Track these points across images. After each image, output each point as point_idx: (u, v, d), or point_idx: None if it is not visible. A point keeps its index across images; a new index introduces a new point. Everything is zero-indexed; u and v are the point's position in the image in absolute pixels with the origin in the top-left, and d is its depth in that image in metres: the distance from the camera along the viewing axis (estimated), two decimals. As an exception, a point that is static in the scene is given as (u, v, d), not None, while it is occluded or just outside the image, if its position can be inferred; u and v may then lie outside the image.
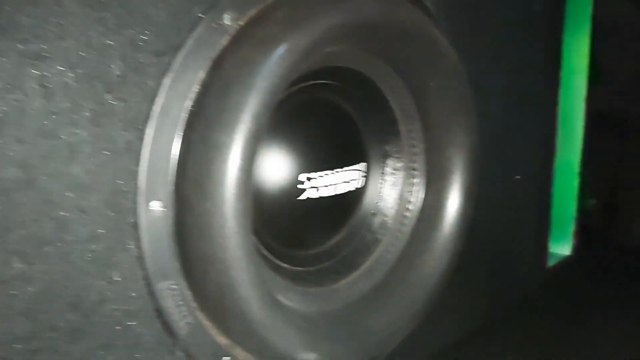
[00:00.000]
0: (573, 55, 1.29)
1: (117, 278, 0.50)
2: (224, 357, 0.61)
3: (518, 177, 1.07)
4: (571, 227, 1.38)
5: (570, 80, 1.28)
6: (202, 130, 0.51)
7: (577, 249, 1.39)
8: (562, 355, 0.92)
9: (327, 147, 0.73)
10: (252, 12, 0.56)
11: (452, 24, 0.82)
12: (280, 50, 0.52)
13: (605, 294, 1.20)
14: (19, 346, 0.45)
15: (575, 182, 1.35)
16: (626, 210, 1.59)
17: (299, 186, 0.68)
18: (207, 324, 0.59)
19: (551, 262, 1.29)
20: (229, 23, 0.54)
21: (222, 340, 0.60)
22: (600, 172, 1.62)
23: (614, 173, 1.62)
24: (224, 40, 0.54)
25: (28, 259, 0.44)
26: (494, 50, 0.97)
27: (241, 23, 0.55)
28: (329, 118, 0.75)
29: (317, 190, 0.70)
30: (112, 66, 0.46)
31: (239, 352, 0.62)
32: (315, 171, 0.69)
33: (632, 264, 1.39)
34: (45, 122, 0.43)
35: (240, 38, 0.54)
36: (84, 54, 0.45)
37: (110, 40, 0.46)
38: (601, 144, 1.59)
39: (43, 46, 0.43)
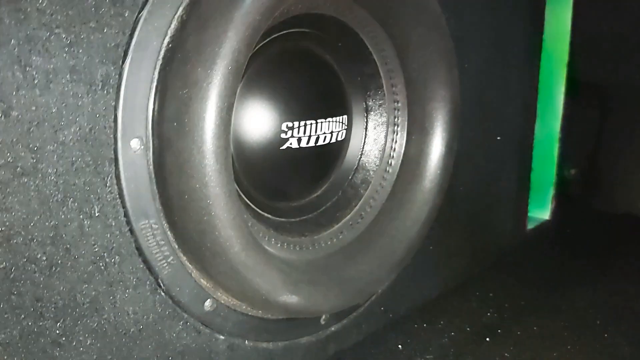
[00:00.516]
0: (555, 22, 1.29)
1: (96, 214, 0.50)
2: (207, 300, 0.62)
3: (499, 138, 1.09)
4: (550, 193, 1.41)
5: (552, 47, 1.29)
6: (180, 66, 0.51)
7: (555, 214, 1.42)
8: (535, 316, 0.94)
9: (310, 97, 0.72)
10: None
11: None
12: (260, -14, 0.52)
13: (580, 258, 1.23)
14: (-3, 277, 0.45)
15: (555, 148, 1.37)
16: (606, 178, 1.62)
17: (282, 135, 0.68)
18: (189, 265, 0.59)
19: (530, 225, 1.32)
20: (207, -42, 0.53)
21: (204, 282, 0.61)
22: (580, 142, 1.64)
23: (595, 142, 1.64)
24: (203, -24, 0.53)
25: (4, 189, 0.44)
26: (478, 9, 0.97)
27: (220, -40, 0.54)
28: (311, 68, 0.75)
29: (299, 140, 0.70)
30: (88, -5, 0.46)
31: (221, 294, 0.63)
32: (297, 120, 0.69)
33: (610, 230, 1.42)
34: (19, 48, 0.43)
35: (219, -26, 0.53)
36: (58, -19, 0.44)
37: (86, -31, 0.45)
38: (582, 113, 1.62)
39: (15, -30, 0.42)
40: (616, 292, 1.05)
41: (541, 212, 1.41)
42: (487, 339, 0.86)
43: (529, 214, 1.32)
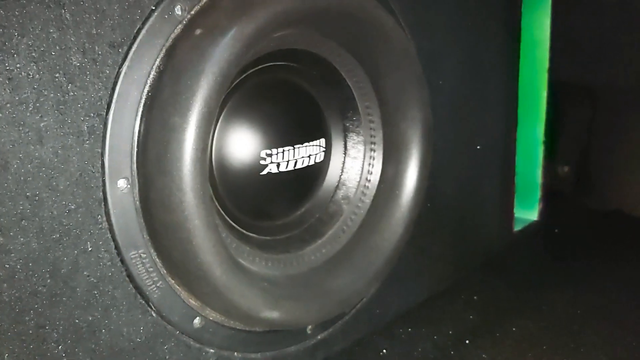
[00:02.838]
0: (534, 27, 1.34)
1: (89, 248, 0.56)
2: (196, 318, 0.68)
3: (479, 147, 1.13)
4: (538, 193, 1.45)
5: (532, 52, 1.33)
6: (159, 113, 0.57)
7: (544, 214, 1.46)
8: (516, 317, 0.98)
9: (287, 124, 0.78)
10: (202, 2, 0.61)
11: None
12: (227, 37, 0.57)
13: (566, 258, 1.27)
14: (5, 309, 0.51)
15: (539, 150, 1.41)
16: (598, 175, 1.66)
17: (261, 162, 0.74)
18: (177, 288, 0.65)
19: (517, 227, 1.36)
20: (179, 13, 0.59)
21: (192, 302, 0.67)
22: (572, 140, 1.68)
23: (586, 140, 1.68)
24: (177, 30, 0.59)
25: (7, 233, 0.50)
26: (451, 25, 1.01)
27: (192, 13, 0.60)
28: (288, 97, 0.81)
29: (278, 165, 0.76)
30: (72, 58, 0.51)
31: (209, 312, 0.68)
32: (275, 147, 0.75)
33: (598, 229, 1.46)
34: (13, 110, 0.49)
35: (191, 27, 0.59)
36: (44, 49, 0.50)
37: (68, 35, 0.51)
38: (571, 112, 1.65)
39: (7, 43, 0.48)
40: (598, 292, 1.09)
41: (529, 213, 1.45)
42: (467, 342, 0.91)
43: (517, 216, 1.37)
